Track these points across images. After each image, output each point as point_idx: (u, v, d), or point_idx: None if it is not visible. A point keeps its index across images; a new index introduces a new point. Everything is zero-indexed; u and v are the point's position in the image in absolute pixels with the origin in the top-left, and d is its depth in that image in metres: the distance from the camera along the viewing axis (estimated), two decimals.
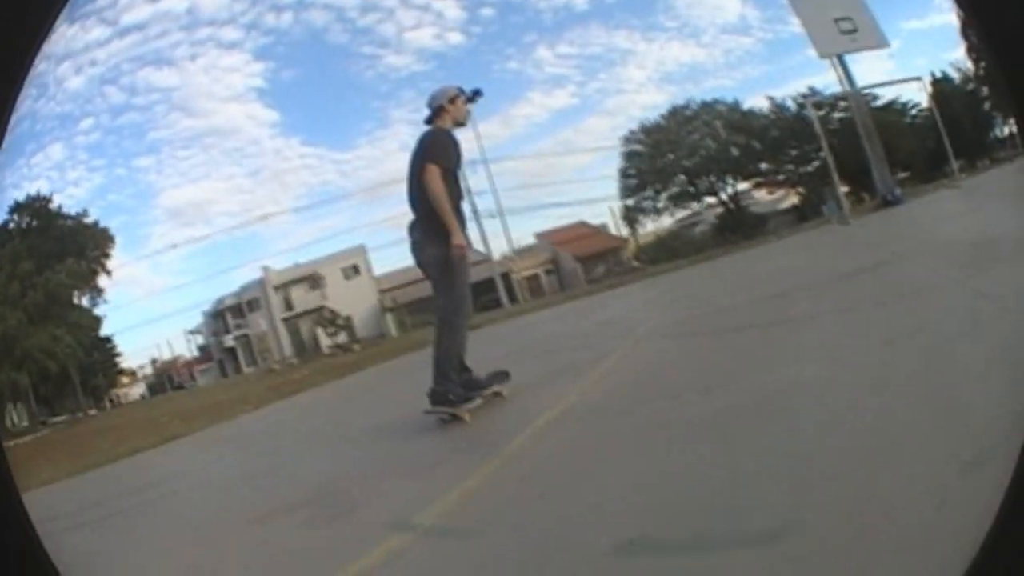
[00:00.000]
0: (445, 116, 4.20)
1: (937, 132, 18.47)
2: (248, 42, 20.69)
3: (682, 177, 25.84)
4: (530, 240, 26.54)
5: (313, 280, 21.93)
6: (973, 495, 1.24)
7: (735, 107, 24.76)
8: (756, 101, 22.72)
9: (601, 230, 27.65)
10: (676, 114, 25.63)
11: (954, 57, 27.94)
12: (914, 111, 27.24)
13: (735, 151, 23.34)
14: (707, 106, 24.08)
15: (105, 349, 17.77)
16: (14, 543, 1.02)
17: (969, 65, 27.29)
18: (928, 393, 2.10)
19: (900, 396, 2.13)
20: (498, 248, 25.60)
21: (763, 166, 25.28)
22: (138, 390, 19.82)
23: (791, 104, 21.08)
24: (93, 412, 17.02)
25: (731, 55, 26.41)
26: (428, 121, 4.22)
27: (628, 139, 26.05)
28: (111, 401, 18.23)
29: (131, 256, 20.07)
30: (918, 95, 26.33)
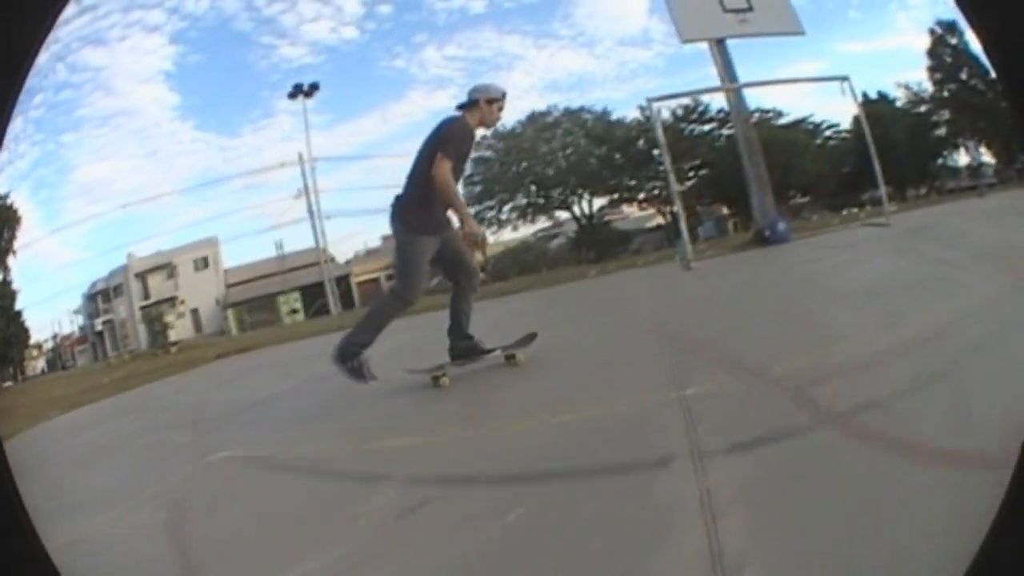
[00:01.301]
0: (476, 112, 4.12)
1: (859, 156, 16.47)
2: (168, 25, 20.72)
3: (533, 188, 23.48)
4: (376, 243, 25.01)
5: (169, 269, 21.28)
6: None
7: (601, 116, 22.58)
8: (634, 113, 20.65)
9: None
10: (535, 120, 23.45)
11: (906, 78, 26.84)
12: (830, 131, 26.48)
13: (594, 163, 21.30)
14: (571, 114, 22.05)
15: (19, 322, 17.84)
16: (14, 543, 1.02)
17: (928, 87, 26.22)
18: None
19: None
20: (347, 250, 24.47)
21: (629, 181, 23.13)
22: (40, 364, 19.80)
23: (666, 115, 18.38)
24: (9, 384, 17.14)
25: (625, 67, 25.07)
26: (459, 107, 4.16)
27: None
28: (21, 374, 18.33)
29: (47, 230, 19.49)
30: (845, 115, 25.02)
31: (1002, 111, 26.29)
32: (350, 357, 3.95)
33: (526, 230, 24.29)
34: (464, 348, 4.16)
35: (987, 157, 21.57)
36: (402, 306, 3.96)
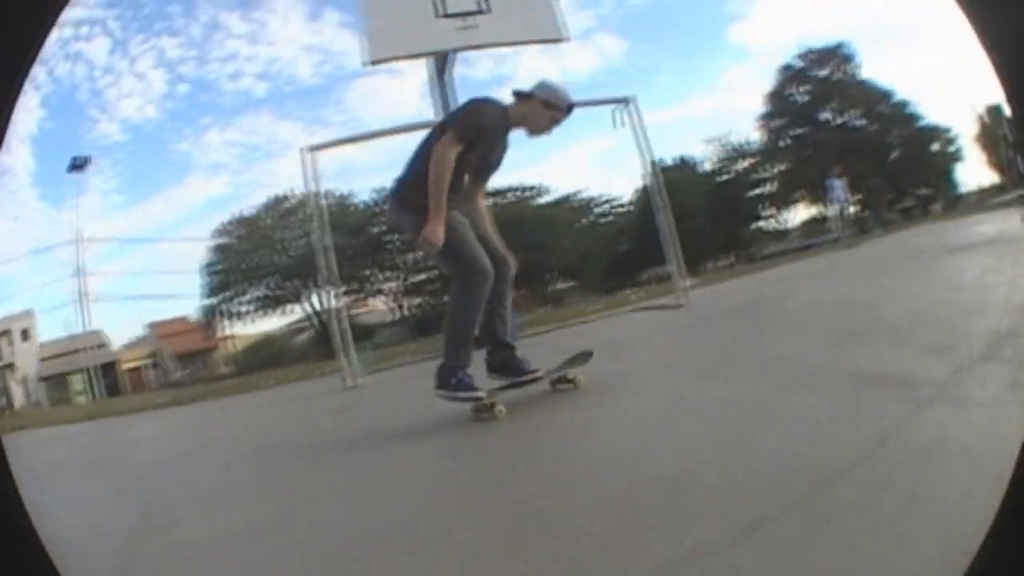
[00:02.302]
0: (525, 107, 3.34)
1: (645, 231, 14.99)
2: (44, 88, 20.15)
3: (273, 278, 21.96)
4: (141, 331, 24.02)
5: (7, 335, 21.11)
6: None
7: (341, 200, 21.33)
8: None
9: (200, 326, 24.04)
10: (275, 206, 22.22)
11: (727, 133, 25.87)
12: (607, 206, 25.08)
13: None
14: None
15: None
16: (14, 543, 1.02)
17: (757, 138, 25.76)
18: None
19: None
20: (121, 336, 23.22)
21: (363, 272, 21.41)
22: None
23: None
24: None
25: (394, 153, 23.17)
26: (515, 93, 3.43)
27: (219, 231, 22.14)
28: None
29: None
30: (630, 187, 23.36)
31: (883, 146, 24.89)
32: (451, 379, 3.18)
33: (277, 322, 22.17)
34: (504, 360, 3.36)
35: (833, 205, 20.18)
36: (482, 287, 3.21)
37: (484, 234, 3.37)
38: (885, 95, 24.38)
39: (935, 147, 24.32)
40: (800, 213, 25.13)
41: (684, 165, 24.76)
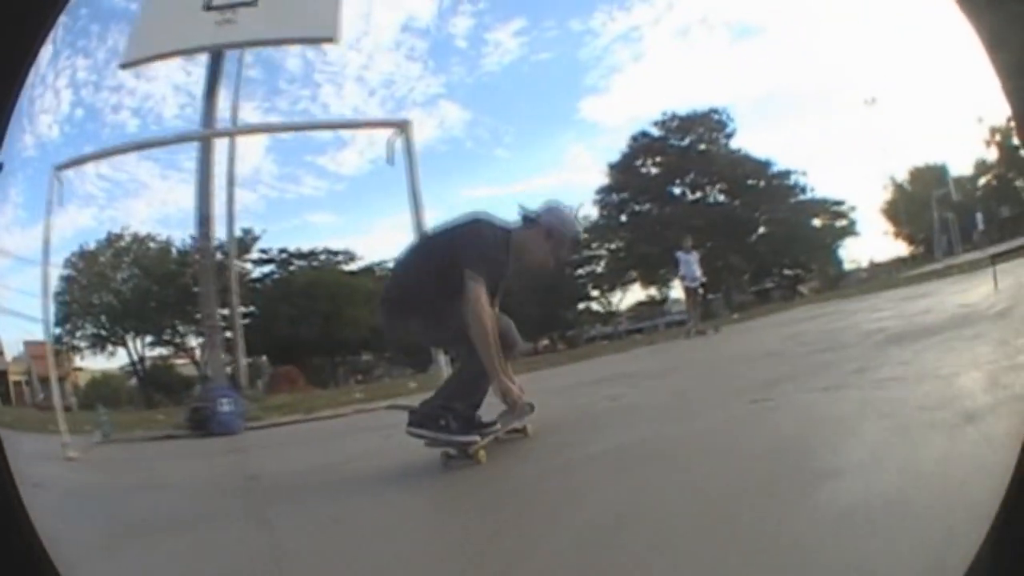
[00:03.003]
0: (527, 235, 2.98)
1: None
2: None
3: (103, 317, 21.44)
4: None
5: None
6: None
7: (165, 245, 20.28)
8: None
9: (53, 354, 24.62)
10: (111, 244, 21.17)
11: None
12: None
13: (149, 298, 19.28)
14: (139, 240, 20.04)
15: None
16: (15, 544, 1.02)
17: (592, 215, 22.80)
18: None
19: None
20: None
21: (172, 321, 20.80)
22: None
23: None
24: None
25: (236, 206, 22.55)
26: (523, 217, 3.10)
27: (67, 261, 20.68)
28: None
29: None
30: None
31: (745, 222, 22.84)
32: (441, 425, 2.98)
33: (111, 362, 21.72)
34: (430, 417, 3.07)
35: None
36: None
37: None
38: (761, 166, 22.32)
39: (816, 222, 22.81)
40: (635, 294, 23.22)
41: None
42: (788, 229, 22.19)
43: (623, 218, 23.10)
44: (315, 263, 20.06)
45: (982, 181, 22.05)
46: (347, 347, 19.74)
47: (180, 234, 19.13)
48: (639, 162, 22.81)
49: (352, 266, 20.18)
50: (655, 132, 22.67)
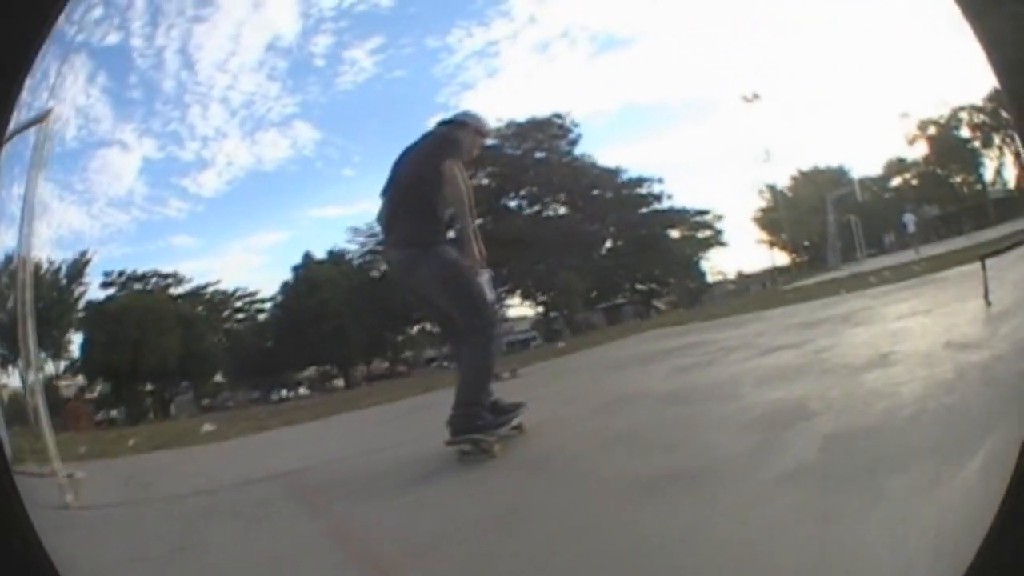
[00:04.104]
0: (464, 133, 3.45)
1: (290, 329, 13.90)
2: None
3: None
4: None
5: None
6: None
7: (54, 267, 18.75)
8: None
9: None
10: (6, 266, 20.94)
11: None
12: (241, 302, 20.17)
13: None
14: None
15: None
16: (16, 545, 1.02)
17: None
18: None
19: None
20: None
21: None
22: None
23: None
24: None
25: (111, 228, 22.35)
26: (448, 122, 3.58)
27: None
28: None
29: None
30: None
31: (587, 235, 20.75)
32: (481, 423, 3.20)
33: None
34: (466, 421, 3.33)
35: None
36: (497, 340, 3.35)
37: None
38: (609, 174, 20.47)
39: (674, 233, 20.95)
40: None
41: (336, 259, 20.07)
42: (639, 241, 20.28)
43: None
44: (148, 286, 19.47)
45: (895, 182, 20.56)
46: (164, 375, 17.81)
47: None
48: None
49: (180, 289, 17.91)
50: (489, 142, 21.70)
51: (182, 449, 5.71)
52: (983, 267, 5.00)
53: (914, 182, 19.84)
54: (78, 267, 15.46)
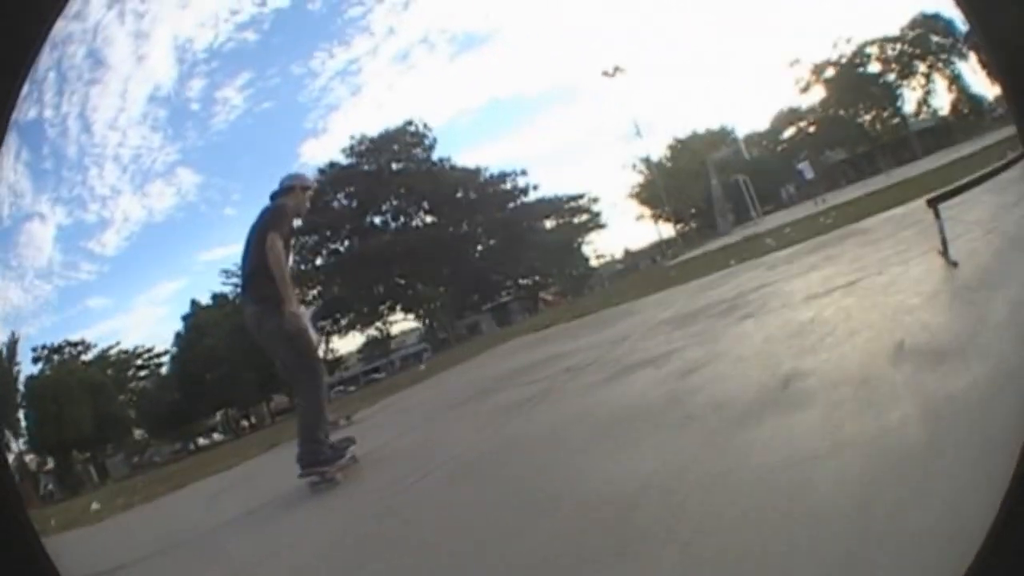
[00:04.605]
0: (290, 198, 4.27)
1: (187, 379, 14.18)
2: None
3: None
4: None
5: None
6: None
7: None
8: None
9: None
10: None
11: None
12: (143, 359, 19.99)
13: None
14: None
15: None
16: (17, 546, 1.02)
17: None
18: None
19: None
20: None
21: None
22: None
23: None
24: None
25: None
26: (272, 197, 4.31)
27: None
28: None
29: None
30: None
31: (460, 239, 20.77)
32: (323, 458, 3.92)
33: None
34: (311, 456, 4.00)
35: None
36: (322, 386, 4.22)
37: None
38: (469, 175, 20.50)
39: (548, 223, 20.85)
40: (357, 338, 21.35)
41: (222, 301, 19.21)
42: (510, 237, 20.37)
43: (318, 261, 20.75)
44: (64, 357, 18.05)
45: (788, 133, 20.17)
46: (88, 441, 17.78)
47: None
48: (328, 197, 20.56)
49: (89, 355, 18.26)
50: (344, 160, 20.49)
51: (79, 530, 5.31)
52: (936, 215, 3.59)
53: (811, 129, 19.47)
54: (11, 347, 15.85)
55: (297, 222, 4.33)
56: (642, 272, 16.26)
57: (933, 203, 3.79)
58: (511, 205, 20.15)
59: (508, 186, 20.15)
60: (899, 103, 17.80)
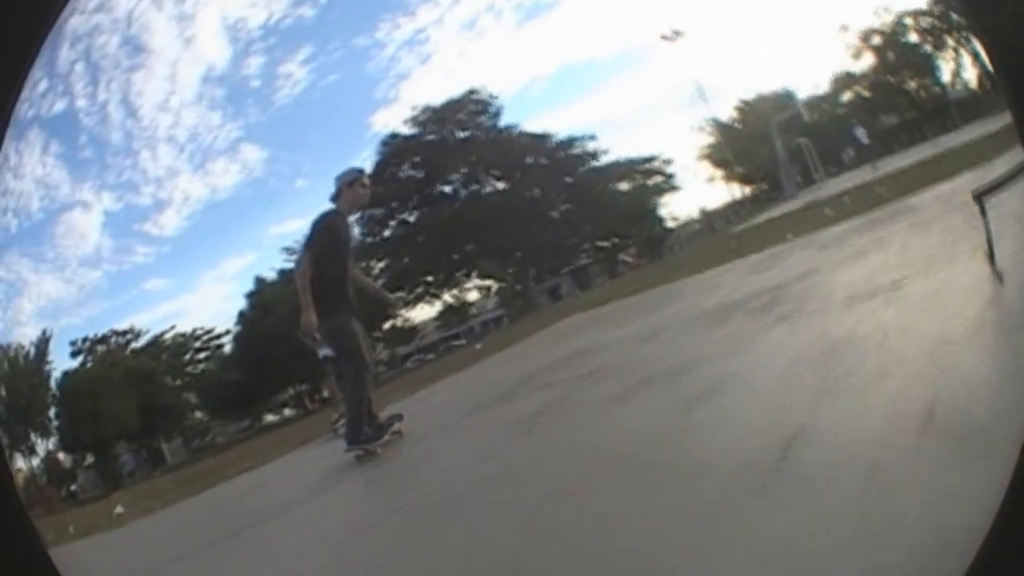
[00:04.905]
0: (342, 199, 4.84)
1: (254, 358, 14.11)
2: None
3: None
4: None
5: None
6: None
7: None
8: None
9: None
10: None
11: None
12: (200, 342, 18.87)
13: None
14: None
15: None
16: (18, 547, 1.02)
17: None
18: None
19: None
20: None
21: None
22: None
23: None
24: None
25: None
26: (332, 199, 4.98)
27: None
28: None
29: None
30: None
31: (534, 204, 20.10)
32: (364, 437, 4.85)
33: None
34: (355, 435, 5.04)
35: None
36: (366, 375, 5.07)
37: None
38: (537, 140, 19.87)
39: (624, 186, 20.23)
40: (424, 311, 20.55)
41: (289, 277, 19.26)
42: (585, 200, 19.63)
43: (386, 233, 20.10)
44: (109, 347, 18.58)
45: (846, 97, 19.46)
46: (132, 436, 16.90)
47: None
48: (395, 168, 19.89)
49: (140, 342, 17.22)
50: (407, 130, 19.40)
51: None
52: (982, 211, 3.29)
53: (866, 94, 18.96)
54: (41, 345, 15.10)
55: (355, 214, 5.22)
56: (712, 237, 16.13)
57: (979, 197, 3.60)
58: (582, 169, 19.36)
59: (578, 151, 19.32)
60: (938, 73, 17.46)
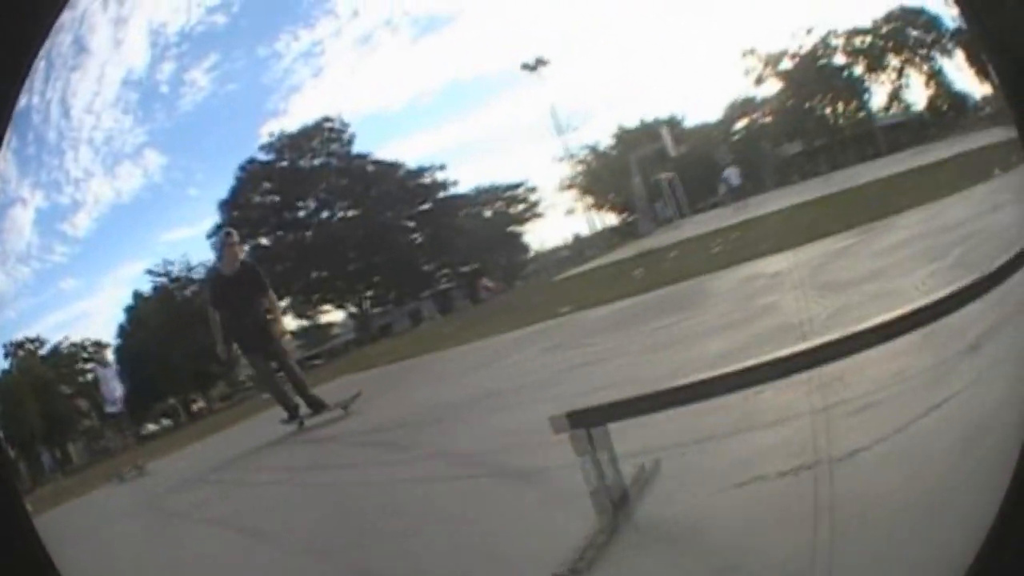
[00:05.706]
0: (222, 259, 5.91)
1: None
2: None
3: None
4: None
5: None
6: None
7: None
8: None
9: None
10: None
11: None
12: (88, 352, 18.45)
13: None
14: None
15: None
16: (18, 546, 1.01)
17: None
18: None
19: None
20: None
21: None
22: None
23: None
24: None
25: None
26: (216, 259, 6.15)
27: None
28: None
29: None
30: None
31: (390, 230, 20.27)
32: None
33: None
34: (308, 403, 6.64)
35: None
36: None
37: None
38: (388, 168, 20.26)
39: (487, 213, 20.59)
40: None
41: (163, 293, 18.55)
42: (438, 226, 20.05)
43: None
44: (22, 352, 17.31)
45: (740, 124, 19.11)
46: (40, 438, 17.17)
47: None
48: (251, 192, 20.28)
49: (44, 350, 17.31)
50: (262, 156, 19.96)
51: None
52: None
53: (766, 120, 18.67)
54: None
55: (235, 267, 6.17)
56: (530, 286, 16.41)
57: None
58: (440, 195, 19.92)
59: (427, 180, 19.85)
60: (866, 96, 17.11)
